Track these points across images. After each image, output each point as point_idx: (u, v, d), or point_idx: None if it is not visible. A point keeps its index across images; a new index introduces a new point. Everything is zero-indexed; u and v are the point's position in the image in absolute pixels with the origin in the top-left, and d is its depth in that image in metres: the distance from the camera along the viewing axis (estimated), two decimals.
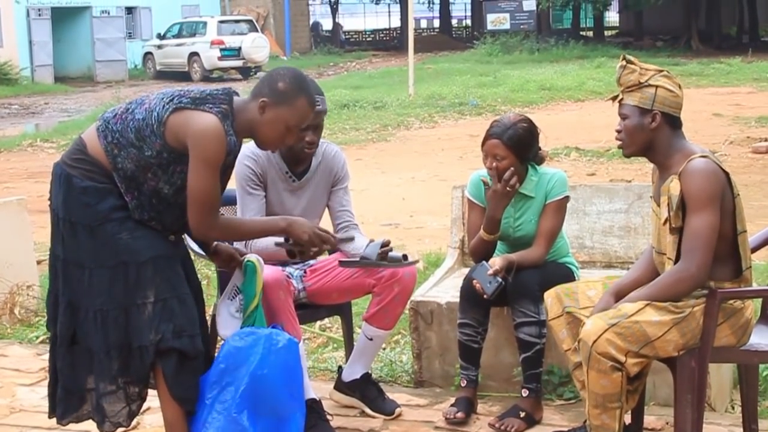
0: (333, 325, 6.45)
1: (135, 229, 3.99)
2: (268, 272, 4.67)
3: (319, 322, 6.41)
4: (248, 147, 4.82)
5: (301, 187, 5.03)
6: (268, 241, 4.74)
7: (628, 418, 4.40)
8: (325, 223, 4.96)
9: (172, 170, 3.98)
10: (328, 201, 5.13)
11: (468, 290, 4.92)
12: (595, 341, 3.97)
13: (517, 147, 4.92)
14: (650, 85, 4.12)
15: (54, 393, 4.16)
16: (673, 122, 4.14)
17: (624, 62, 4.18)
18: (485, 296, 4.78)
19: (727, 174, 4.06)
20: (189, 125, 3.93)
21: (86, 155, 4.02)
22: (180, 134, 3.93)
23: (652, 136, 4.13)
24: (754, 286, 4.33)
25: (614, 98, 4.25)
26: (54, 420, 4.20)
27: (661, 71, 4.17)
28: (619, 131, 4.21)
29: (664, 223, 4.08)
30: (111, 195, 3.97)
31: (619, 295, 4.23)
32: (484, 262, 4.88)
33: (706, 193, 3.98)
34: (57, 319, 4.09)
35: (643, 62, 4.22)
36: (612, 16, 62.20)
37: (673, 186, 4.04)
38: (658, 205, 4.18)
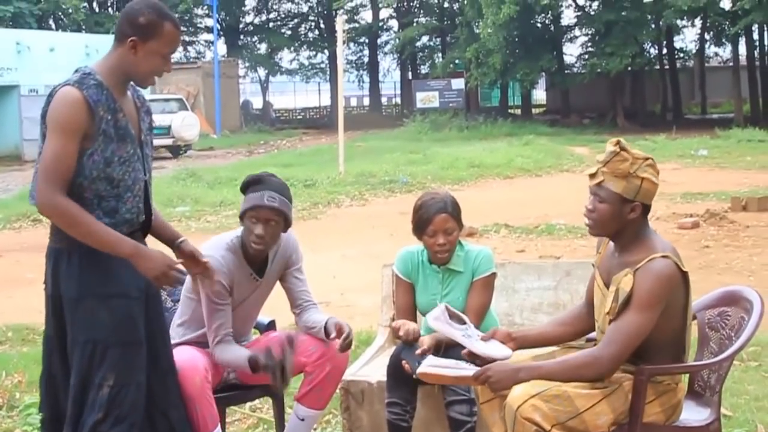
0: (264, 405, 6.38)
1: (115, 309, 4.03)
2: (185, 357, 4.67)
3: (249, 403, 6.34)
4: (217, 257, 4.82)
5: (263, 281, 5.05)
6: (232, 358, 4.84)
7: None
8: (280, 302, 4.92)
9: (80, 163, 3.97)
10: (283, 282, 5.12)
11: (395, 369, 4.91)
12: (520, 406, 3.93)
13: (459, 216, 5.01)
14: (637, 176, 4.07)
15: None
16: (646, 211, 4.15)
17: (617, 148, 4.09)
18: (414, 376, 4.77)
19: (685, 273, 4.08)
20: (50, 105, 3.97)
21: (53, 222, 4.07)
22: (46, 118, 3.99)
23: (626, 224, 4.12)
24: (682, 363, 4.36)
25: (592, 176, 4.16)
26: None
27: (648, 159, 4.12)
28: (591, 210, 4.15)
29: (608, 312, 4.09)
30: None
31: (520, 342, 4.26)
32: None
33: (653, 298, 3.98)
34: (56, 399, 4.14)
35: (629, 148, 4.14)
36: (539, 95, 63.10)
37: (626, 281, 4.04)
38: (606, 285, 4.18)
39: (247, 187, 4.93)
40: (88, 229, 3.95)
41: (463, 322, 4.43)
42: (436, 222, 4.96)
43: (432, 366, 4.28)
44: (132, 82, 4.17)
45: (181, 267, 4.17)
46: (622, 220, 4.11)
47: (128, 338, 4.07)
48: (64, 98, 3.94)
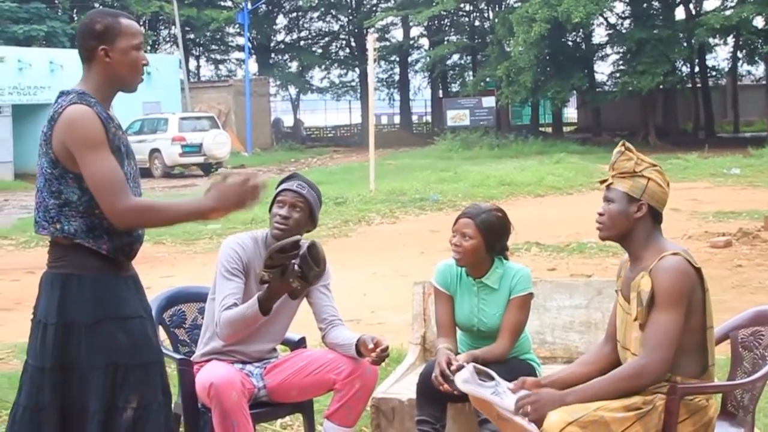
0: (294, 422, 6.38)
1: (132, 330, 4.02)
2: (220, 372, 4.69)
3: (280, 420, 6.34)
4: (238, 237, 4.95)
5: None
6: (240, 310, 4.76)
7: None
8: (307, 319, 4.92)
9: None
10: (308, 298, 5.13)
11: (424, 386, 4.91)
12: None
13: (488, 232, 5.00)
14: (643, 176, 4.16)
15: None
16: (656, 216, 4.20)
17: (623, 148, 4.23)
18: (456, 392, 4.76)
19: (698, 270, 4.09)
20: (60, 127, 3.91)
21: (56, 247, 4.04)
22: (61, 140, 3.91)
23: (634, 225, 4.17)
24: (715, 382, 4.34)
25: (603, 182, 4.28)
26: None
27: (655, 166, 4.23)
28: (601, 214, 4.23)
29: (635, 319, 4.10)
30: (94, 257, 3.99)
31: (556, 387, 4.23)
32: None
33: (675, 292, 4.01)
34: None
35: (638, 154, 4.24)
36: (570, 113, 62.97)
37: (644, 282, 4.06)
38: (627, 301, 4.20)
39: (280, 184, 5.08)
40: (164, 213, 3.98)
41: (492, 378, 4.40)
42: (459, 222, 5.09)
43: (470, 384, 4.25)
44: (121, 91, 4.14)
45: (243, 175, 4.10)
46: (629, 220, 4.16)
47: (147, 358, 4.06)
48: (80, 115, 3.90)
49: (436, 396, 4.87)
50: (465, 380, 4.33)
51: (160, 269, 13.23)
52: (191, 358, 5.05)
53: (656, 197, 4.18)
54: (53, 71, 38.37)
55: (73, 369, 3.98)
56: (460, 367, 4.75)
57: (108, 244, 3.98)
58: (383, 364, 4.95)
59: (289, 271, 4.54)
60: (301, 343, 5.41)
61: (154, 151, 36.35)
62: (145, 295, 4.26)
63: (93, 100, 3.97)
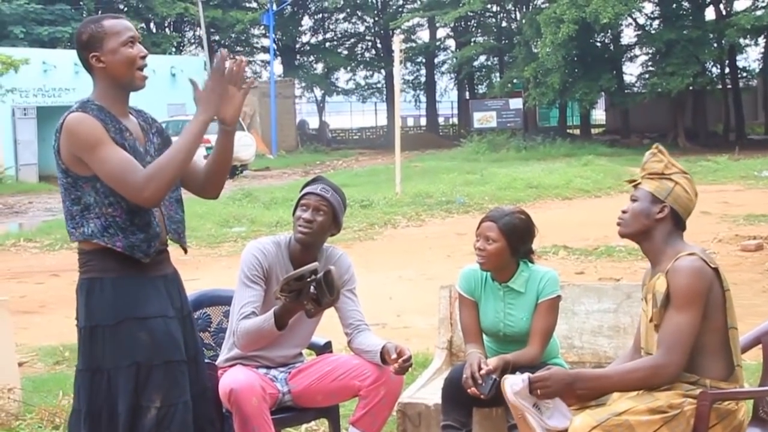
0: (320, 428, 6.38)
1: (154, 329, 4.06)
2: (240, 377, 4.70)
3: (305, 425, 6.34)
4: (260, 242, 4.98)
5: None
6: (257, 323, 4.75)
7: None
8: (335, 322, 4.95)
9: (104, 190, 4.02)
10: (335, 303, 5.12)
11: (449, 391, 4.90)
12: None
13: (511, 235, 4.98)
14: (671, 179, 4.19)
15: None
16: (678, 222, 4.20)
17: (655, 150, 4.28)
18: (482, 396, 4.75)
19: (716, 269, 4.08)
20: (63, 140, 3.99)
21: (81, 255, 4.14)
22: (67, 149, 3.99)
23: (654, 225, 4.18)
24: (746, 387, 4.31)
25: (632, 182, 4.33)
26: None
27: (685, 173, 4.26)
28: (624, 211, 4.27)
29: (650, 320, 4.10)
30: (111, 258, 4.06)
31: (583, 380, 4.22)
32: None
33: (691, 292, 4.01)
34: None
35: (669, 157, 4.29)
36: (599, 114, 62.81)
37: (659, 283, 4.07)
38: (647, 304, 4.19)
39: (304, 187, 5.08)
40: (176, 151, 4.03)
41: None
42: (482, 226, 5.08)
43: (519, 397, 4.22)
44: (128, 91, 4.18)
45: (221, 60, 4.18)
46: (649, 220, 4.18)
47: (170, 357, 4.08)
48: (76, 121, 3.98)
49: (461, 400, 4.86)
50: (516, 392, 4.25)
51: (185, 272, 13.16)
52: (216, 363, 5.06)
53: (680, 202, 4.18)
54: (78, 73, 38.33)
55: (102, 372, 4.06)
56: (489, 371, 4.75)
57: (122, 241, 4.04)
58: (409, 370, 4.93)
59: (304, 293, 4.53)
60: (326, 348, 5.41)
61: None
62: (182, 295, 4.31)
63: (94, 107, 4.05)
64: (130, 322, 4.04)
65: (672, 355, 4.01)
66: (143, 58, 4.14)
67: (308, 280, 4.49)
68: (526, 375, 4.27)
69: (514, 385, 4.24)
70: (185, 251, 4.39)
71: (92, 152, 3.95)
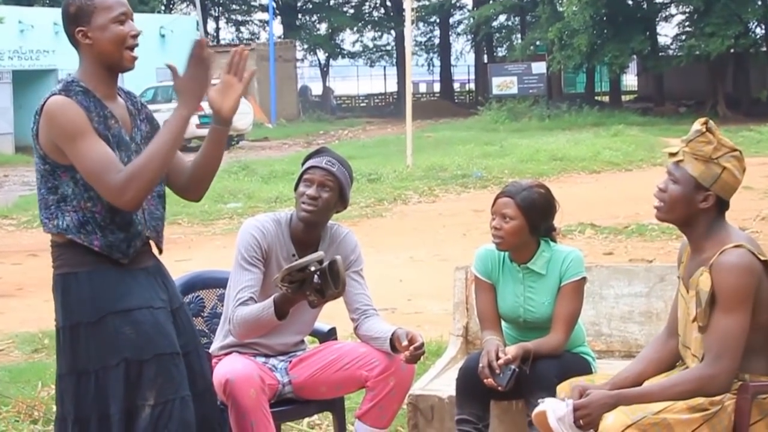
0: (323, 422, 6.41)
1: (140, 321, 4.04)
2: (236, 366, 4.71)
3: (307, 419, 6.36)
4: (258, 220, 4.96)
5: None
6: (255, 311, 4.76)
7: None
8: (340, 308, 4.96)
9: (84, 183, 4.02)
10: None
11: (465, 382, 4.91)
12: None
13: (530, 211, 4.97)
14: (718, 164, 4.08)
15: None
16: (722, 205, 4.15)
17: (704, 128, 4.12)
18: (500, 388, 4.75)
19: (765, 263, 4.06)
20: (43, 125, 3.99)
21: (54, 248, 4.12)
22: (46, 135, 3.99)
23: (696, 213, 4.12)
24: None
25: (673, 155, 4.18)
26: None
27: (734, 150, 4.12)
28: (662, 190, 4.18)
29: (694, 320, 4.08)
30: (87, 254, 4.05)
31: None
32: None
33: (738, 292, 3.98)
34: None
35: (720, 135, 4.15)
36: (630, 80, 62.68)
37: (703, 281, 4.04)
38: (687, 291, 4.17)
39: (307, 160, 5.07)
40: (155, 151, 3.97)
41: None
42: (497, 203, 5.06)
43: (563, 427, 4.21)
44: (117, 71, 4.16)
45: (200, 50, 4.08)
46: (691, 208, 4.12)
47: (161, 350, 4.06)
48: (57, 107, 3.97)
49: (478, 393, 4.86)
50: (560, 418, 4.20)
51: (175, 252, 13.27)
52: (209, 351, 5.06)
53: (727, 188, 4.12)
54: (58, 33, 38.33)
55: (87, 374, 4.04)
56: (508, 361, 4.75)
57: (100, 240, 4.04)
58: (421, 359, 4.93)
59: (307, 283, 4.52)
60: (331, 335, 5.41)
61: None
62: (169, 287, 4.30)
63: (79, 89, 4.03)
64: (113, 317, 4.03)
65: (721, 363, 4.00)
66: (134, 37, 4.11)
67: (312, 270, 4.48)
68: (570, 400, 4.23)
69: (557, 410, 4.21)
70: (161, 251, 4.34)
71: (72, 143, 3.94)
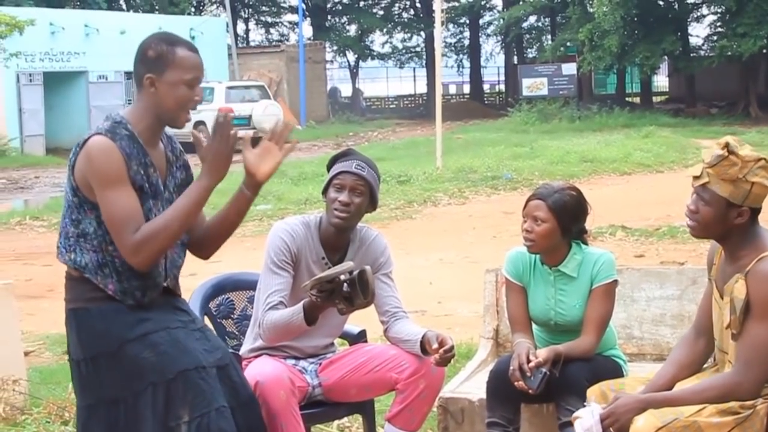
0: (353, 424, 6.41)
1: (157, 343, 4.06)
2: (266, 369, 4.71)
3: (337, 422, 6.36)
4: (288, 223, 4.97)
5: None
6: (284, 316, 4.76)
7: None
8: (370, 311, 4.96)
9: None
10: None
11: (495, 385, 4.91)
12: None
13: (562, 213, 4.96)
14: (747, 181, 4.04)
15: None
16: (756, 213, 4.13)
17: (726, 152, 4.05)
18: (531, 391, 4.75)
19: None
20: (81, 161, 4.01)
21: (68, 281, 4.16)
22: (81, 170, 4.02)
23: (732, 228, 4.10)
24: None
25: (697, 177, 4.13)
26: None
27: (760, 161, 4.06)
28: (693, 211, 4.15)
29: (727, 326, 4.06)
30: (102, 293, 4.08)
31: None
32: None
33: None
34: None
35: (742, 152, 4.07)
36: (661, 81, 62.40)
37: (738, 288, 4.02)
38: (721, 296, 4.15)
39: (333, 162, 5.05)
40: (172, 218, 4.01)
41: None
42: (529, 205, 5.05)
43: (582, 427, 4.20)
44: (167, 126, 4.19)
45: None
46: (727, 224, 4.09)
47: (183, 366, 4.06)
48: (99, 150, 3.99)
49: (508, 396, 4.86)
50: (586, 428, 4.20)
51: None
52: (239, 353, 5.07)
53: (759, 198, 4.09)
54: (88, 35, 38.71)
55: (116, 402, 4.07)
56: (539, 364, 4.74)
57: (115, 285, 4.07)
58: (451, 362, 4.93)
59: (336, 292, 4.53)
60: (360, 337, 5.42)
61: (199, 124, 36.26)
62: (188, 309, 4.34)
63: (125, 132, 4.05)
64: (131, 344, 4.05)
65: (750, 372, 4.00)
66: (198, 102, 4.14)
67: (342, 279, 4.49)
68: (598, 408, 4.22)
69: (584, 421, 4.21)
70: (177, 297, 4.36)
71: (102, 189, 3.97)
